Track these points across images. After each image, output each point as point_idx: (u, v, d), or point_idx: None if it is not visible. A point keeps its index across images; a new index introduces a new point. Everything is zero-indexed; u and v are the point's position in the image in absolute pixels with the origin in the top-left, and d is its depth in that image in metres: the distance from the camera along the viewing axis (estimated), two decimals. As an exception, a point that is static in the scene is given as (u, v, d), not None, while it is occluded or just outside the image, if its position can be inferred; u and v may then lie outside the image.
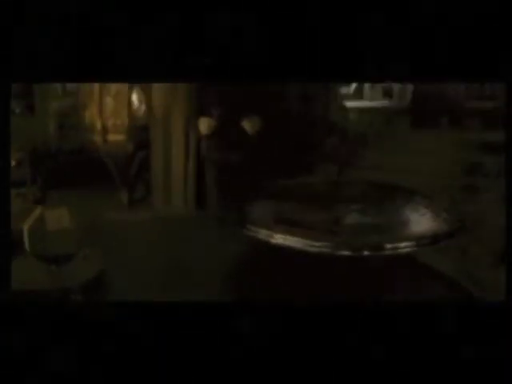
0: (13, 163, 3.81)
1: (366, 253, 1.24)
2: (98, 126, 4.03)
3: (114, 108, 4.09)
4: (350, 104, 7.51)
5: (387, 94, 9.72)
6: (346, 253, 1.23)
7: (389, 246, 1.26)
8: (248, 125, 2.62)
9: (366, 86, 9.91)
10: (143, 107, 4.39)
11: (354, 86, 9.81)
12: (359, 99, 9.56)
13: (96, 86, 3.97)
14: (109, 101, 4.08)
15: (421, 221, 1.43)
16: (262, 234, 1.29)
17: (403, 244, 1.27)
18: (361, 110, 8.38)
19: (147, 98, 3.64)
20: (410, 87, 9.19)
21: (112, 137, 4.09)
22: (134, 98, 4.20)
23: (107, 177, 4.12)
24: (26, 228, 1.44)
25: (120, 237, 1.65)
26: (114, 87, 4.06)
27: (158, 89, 3.51)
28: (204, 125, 2.68)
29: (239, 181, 2.58)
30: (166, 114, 3.60)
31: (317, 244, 1.23)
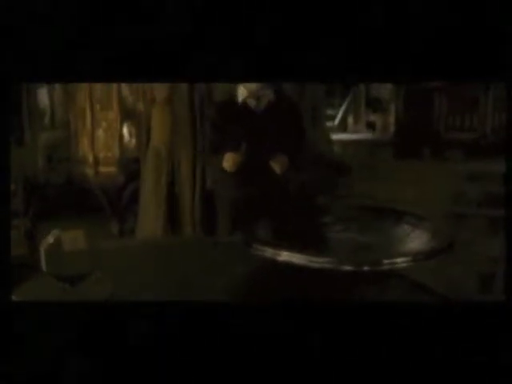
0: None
1: (365, 268, 1.32)
2: (90, 158, 4.09)
3: (105, 141, 4.16)
4: (335, 137, 7.71)
5: (370, 126, 9.96)
6: (347, 268, 1.31)
7: (386, 261, 1.34)
8: (277, 165, 2.49)
9: (350, 119, 10.15)
10: (134, 140, 4.48)
11: (338, 119, 10.03)
12: (343, 132, 9.78)
13: (88, 118, 4.05)
14: (100, 133, 4.15)
15: (412, 239, 1.52)
16: (269, 252, 1.37)
17: (400, 259, 1.35)
18: (345, 143, 8.56)
19: (148, 129, 3.61)
20: (392, 119, 9.42)
21: (103, 168, 4.15)
22: (125, 130, 4.28)
23: (98, 208, 4.17)
24: (43, 248, 1.50)
25: (124, 262, 1.71)
26: (105, 121, 4.15)
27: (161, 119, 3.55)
28: (229, 161, 2.50)
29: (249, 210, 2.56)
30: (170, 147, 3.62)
31: (319, 260, 1.31)
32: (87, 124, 4.07)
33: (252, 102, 2.62)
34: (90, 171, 4.13)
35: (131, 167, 4.42)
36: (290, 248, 1.30)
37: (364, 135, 9.29)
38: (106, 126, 4.16)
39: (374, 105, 10.13)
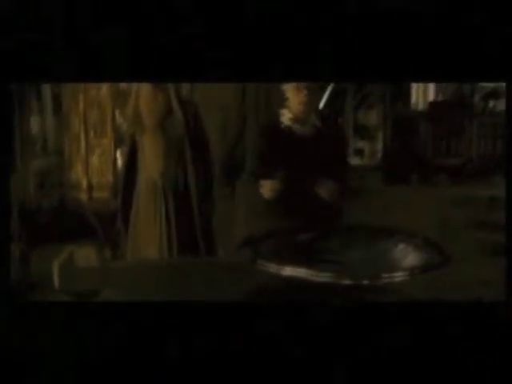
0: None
1: (365, 282, 1.39)
2: (84, 183, 4.14)
3: (99, 166, 4.21)
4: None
5: (359, 153, 10.10)
6: (347, 282, 1.38)
7: (385, 275, 1.41)
8: (324, 190, 2.35)
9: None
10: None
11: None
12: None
13: (82, 144, 4.12)
14: (94, 159, 4.21)
15: (407, 255, 1.59)
16: (273, 268, 1.44)
17: (398, 274, 1.42)
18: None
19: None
20: (379, 146, 9.56)
21: (97, 194, 4.20)
22: (119, 156, 4.34)
23: (91, 232, 4.19)
24: (56, 265, 1.54)
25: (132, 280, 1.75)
26: (99, 147, 4.21)
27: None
28: (267, 188, 2.35)
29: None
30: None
31: (321, 274, 1.38)
32: (81, 150, 4.12)
33: (297, 127, 2.51)
34: (83, 196, 4.17)
35: (124, 192, 4.47)
36: (293, 263, 1.37)
37: (352, 161, 9.41)
38: (100, 152, 4.22)
39: (362, 132, 10.29)
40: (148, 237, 3.26)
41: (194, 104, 3.29)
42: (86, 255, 1.62)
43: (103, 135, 4.19)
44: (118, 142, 4.24)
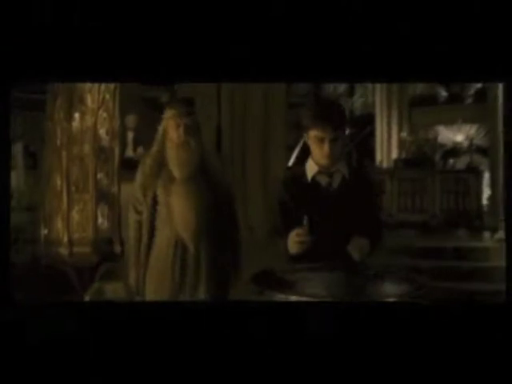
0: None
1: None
2: (65, 238, 4.19)
3: (80, 221, 4.29)
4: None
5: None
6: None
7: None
8: (355, 250, 2.14)
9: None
10: (106, 221, 4.61)
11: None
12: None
13: (64, 200, 4.19)
14: (75, 214, 4.28)
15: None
16: (280, 297, 1.58)
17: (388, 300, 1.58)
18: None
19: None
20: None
21: (77, 249, 4.25)
22: (99, 212, 4.43)
23: (70, 288, 4.21)
24: (87, 297, 1.63)
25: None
26: (80, 202, 4.29)
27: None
28: (293, 241, 2.15)
29: None
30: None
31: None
32: (63, 205, 4.20)
33: (323, 179, 2.33)
34: (64, 251, 4.21)
35: (104, 248, 4.53)
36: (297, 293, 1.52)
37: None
38: (81, 207, 4.30)
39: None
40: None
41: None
42: (114, 289, 1.72)
43: (85, 191, 4.28)
44: (99, 198, 4.34)
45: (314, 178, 2.31)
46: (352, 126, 9.69)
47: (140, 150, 6.56)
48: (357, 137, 9.81)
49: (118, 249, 4.50)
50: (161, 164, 2.78)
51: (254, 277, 1.83)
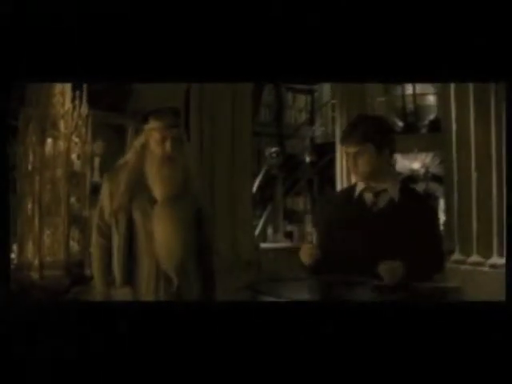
0: None
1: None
2: (36, 262, 4.21)
3: (51, 245, 4.32)
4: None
5: (288, 235, 10.55)
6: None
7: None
8: (386, 272, 1.96)
9: (269, 229, 10.72)
10: (76, 244, 4.64)
11: (258, 229, 10.58)
12: (263, 242, 10.29)
13: (36, 224, 4.22)
14: (46, 238, 4.31)
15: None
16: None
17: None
18: (266, 250, 9.03)
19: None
20: (308, 228, 10.07)
21: (48, 272, 4.27)
22: (71, 235, 4.47)
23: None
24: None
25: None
26: (51, 225, 4.32)
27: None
28: (304, 253, 2.13)
29: None
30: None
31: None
32: (35, 229, 4.23)
33: (368, 197, 2.24)
34: (35, 275, 4.23)
35: (75, 271, 4.55)
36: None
37: (283, 244, 9.82)
38: (53, 231, 4.34)
39: (291, 216, 10.82)
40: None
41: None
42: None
43: (56, 214, 4.33)
44: (71, 222, 4.39)
45: (360, 194, 2.25)
46: (313, 154, 9.98)
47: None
48: (317, 165, 10.09)
49: (88, 272, 4.53)
50: (137, 182, 2.45)
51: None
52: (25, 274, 4.20)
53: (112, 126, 7.19)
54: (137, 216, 2.45)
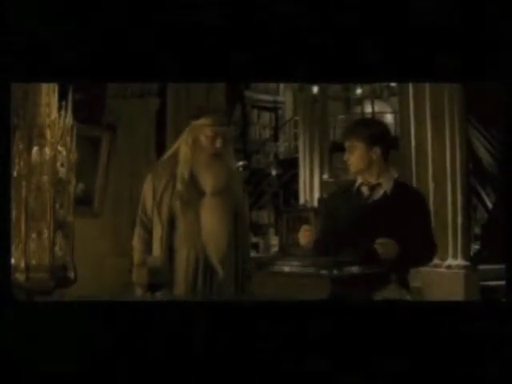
0: None
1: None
2: (22, 264, 4.34)
3: (37, 249, 4.46)
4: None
5: (254, 247, 10.83)
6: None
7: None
8: (381, 246, 2.18)
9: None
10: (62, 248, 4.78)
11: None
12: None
13: (22, 228, 4.36)
14: (32, 242, 4.45)
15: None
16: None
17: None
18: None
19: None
20: (274, 241, 10.36)
21: (33, 274, 4.40)
22: (57, 238, 4.61)
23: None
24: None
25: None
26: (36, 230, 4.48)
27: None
28: (302, 235, 2.28)
29: None
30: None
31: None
32: (21, 234, 4.37)
33: (365, 191, 2.47)
34: (21, 277, 4.36)
35: (60, 274, 4.70)
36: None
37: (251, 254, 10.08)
38: (38, 235, 4.48)
39: (255, 229, 11.13)
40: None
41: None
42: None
43: (42, 219, 4.48)
44: (56, 227, 4.54)
45: (358, 188, 2.48)
46: (278, 167, 10.32)
47: (81, 185, 6.74)
48: (282, 179, 10.43)
49: (71, 274, 4.67)
50: (182, 174, 2.56)
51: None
52: (11, 276, 4.32)
53: (85, 137, 7.35)
54: (179, 207, 2.55)
